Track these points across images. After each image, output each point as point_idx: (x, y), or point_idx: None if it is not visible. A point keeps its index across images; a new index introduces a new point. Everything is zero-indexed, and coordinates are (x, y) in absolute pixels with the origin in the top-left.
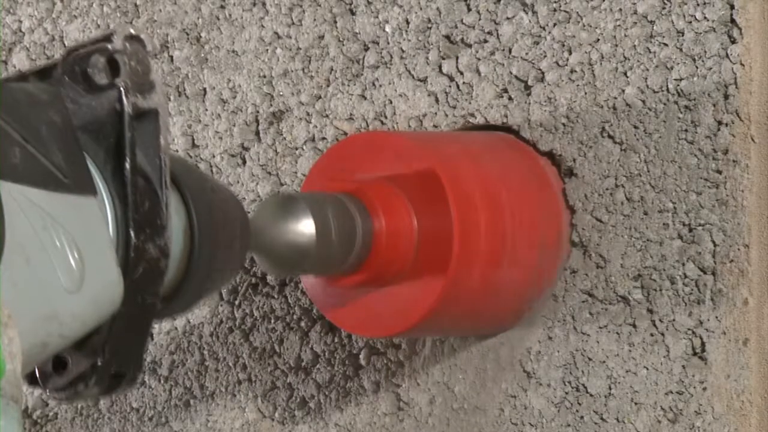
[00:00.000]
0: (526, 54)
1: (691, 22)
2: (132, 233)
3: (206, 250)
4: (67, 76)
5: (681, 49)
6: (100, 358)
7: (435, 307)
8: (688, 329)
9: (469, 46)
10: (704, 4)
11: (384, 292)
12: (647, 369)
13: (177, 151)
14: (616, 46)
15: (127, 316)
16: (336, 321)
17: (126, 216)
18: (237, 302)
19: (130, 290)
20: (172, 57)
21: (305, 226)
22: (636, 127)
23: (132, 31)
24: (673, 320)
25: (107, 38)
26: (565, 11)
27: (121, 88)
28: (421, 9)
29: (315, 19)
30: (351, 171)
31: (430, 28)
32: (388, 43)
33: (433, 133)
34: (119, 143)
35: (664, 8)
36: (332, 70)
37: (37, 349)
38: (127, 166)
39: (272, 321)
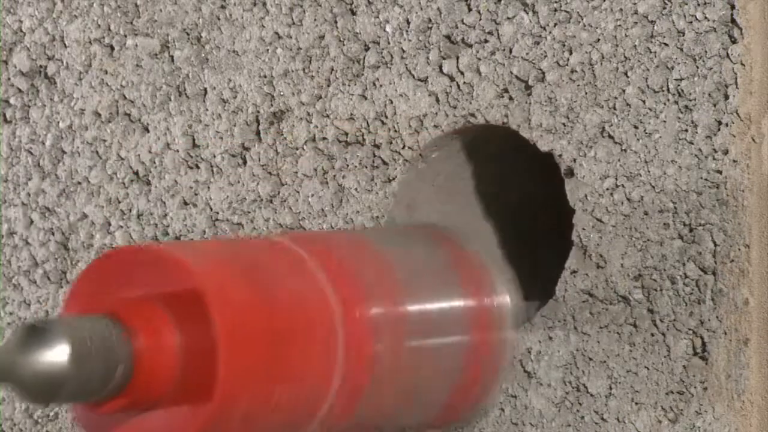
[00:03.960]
0: (527, 54)
1: (691, 22)
2: None
3: None
4: None
5: (681, 49)
6: None
7: (203, 430)
8: (689, 329)
9: (470, 46)
10: (705, 4)
11: (150, 416)
12: (648, 369)
13: (177, 151)
14: (617, 46)
15: None
16: None
17: None
18: None
19: None
20: (172, 57)
21: (57, 354)
22: (636, 127)
23: None
24: (674, 320)
25: None
26: (565, 11)
27: None
28: (421, 9)
29: (315, 19)
30: (113, 289)
31: (431, 28)
32: (389, 43)
33: (212, 243)
34: None
35: (664, 8)
36: (333, 70)
37: None
38: None
39: None
